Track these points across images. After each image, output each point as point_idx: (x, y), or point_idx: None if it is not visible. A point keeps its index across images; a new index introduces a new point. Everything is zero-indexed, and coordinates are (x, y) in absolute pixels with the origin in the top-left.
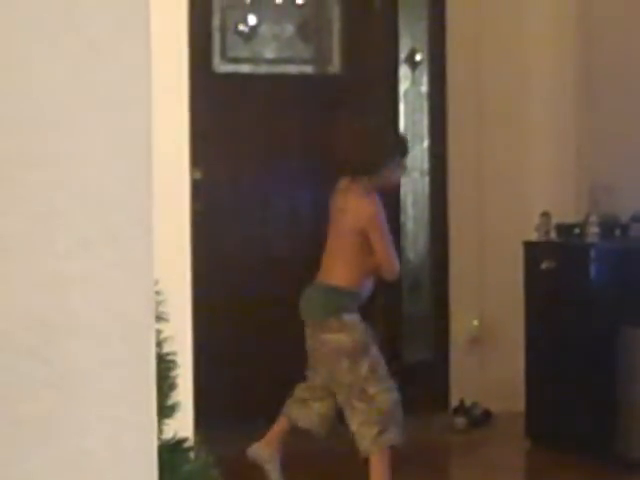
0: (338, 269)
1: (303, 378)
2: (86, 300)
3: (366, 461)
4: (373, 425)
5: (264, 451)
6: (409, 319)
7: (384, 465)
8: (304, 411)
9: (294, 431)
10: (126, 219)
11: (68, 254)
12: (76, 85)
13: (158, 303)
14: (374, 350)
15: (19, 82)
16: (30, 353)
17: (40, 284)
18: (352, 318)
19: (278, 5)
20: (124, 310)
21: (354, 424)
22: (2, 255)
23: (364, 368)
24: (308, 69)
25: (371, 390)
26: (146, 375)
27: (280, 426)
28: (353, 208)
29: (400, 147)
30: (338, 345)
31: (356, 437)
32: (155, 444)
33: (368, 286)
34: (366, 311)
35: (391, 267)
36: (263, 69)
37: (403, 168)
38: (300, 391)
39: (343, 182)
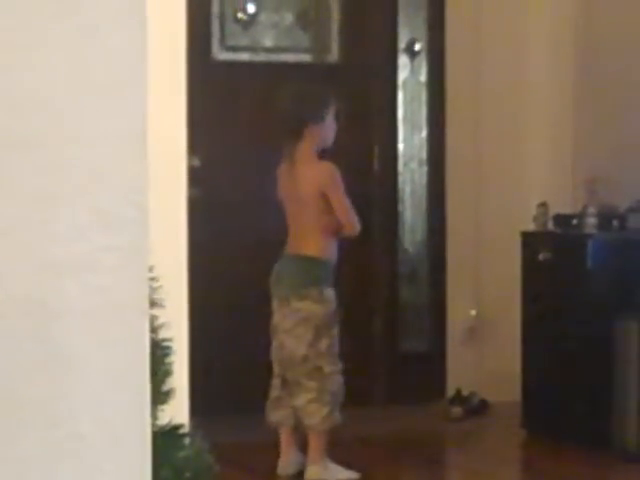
0: (310, 239)
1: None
2: (80, 284)
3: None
4: (324, 405)
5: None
6: (406, 309)
7: (325, 442)
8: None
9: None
10: (121, 204)
11: (63, 238)
12: (72, 69)
13: (154, 289)
14: (336, 328)
15: (15, 66)
16: (26, 337)
17: (36, 268)
18: (331, 292)
19: None
20: (117, 294)
21: (300, 400)
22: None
23: (324, 344)
24: (307, 58)
25: (327, 369)
26: (140, 360)
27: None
28: (309, 173)
29: (331, 96)
30: (309, 314)
31: (302, 413)
32: (149, 429)
33: (335, 253)
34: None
35: (353, 223)
36: (262, 57)
37: (338, 119)
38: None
39: (288, 149)
